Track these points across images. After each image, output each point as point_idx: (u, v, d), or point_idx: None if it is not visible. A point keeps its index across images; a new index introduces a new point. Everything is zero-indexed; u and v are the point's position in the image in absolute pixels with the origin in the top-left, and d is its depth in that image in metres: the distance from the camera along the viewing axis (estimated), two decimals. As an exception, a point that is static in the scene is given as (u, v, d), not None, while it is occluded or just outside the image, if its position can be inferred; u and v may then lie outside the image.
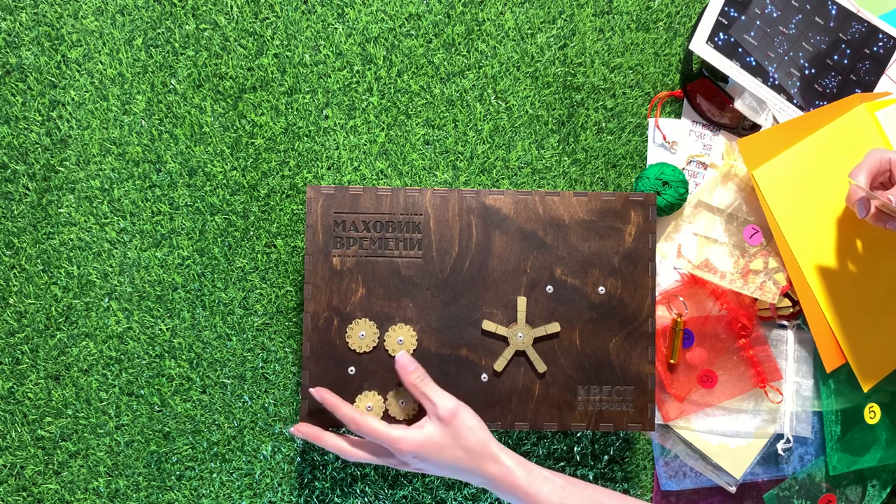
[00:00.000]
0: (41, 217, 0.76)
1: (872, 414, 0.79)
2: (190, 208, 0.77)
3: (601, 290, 0.72)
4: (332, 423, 0.70)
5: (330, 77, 0.78)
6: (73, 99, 0.76)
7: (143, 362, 0.77)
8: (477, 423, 0.66)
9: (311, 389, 0.69)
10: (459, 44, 0.79)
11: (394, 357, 0.71)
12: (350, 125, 0.78)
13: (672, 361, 0.77)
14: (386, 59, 0.79)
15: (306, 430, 0.68)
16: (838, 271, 0.76)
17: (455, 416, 0.66)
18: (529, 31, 0.80)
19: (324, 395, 0.68)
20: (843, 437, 0.79)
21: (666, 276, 0.79)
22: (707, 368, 0.78)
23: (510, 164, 0.80)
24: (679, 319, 0.77)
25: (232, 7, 0.77)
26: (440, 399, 0.66)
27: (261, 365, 0.77)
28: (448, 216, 0.72)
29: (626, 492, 0.80)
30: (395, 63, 0.79)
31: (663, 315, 0.78)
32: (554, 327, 0.72)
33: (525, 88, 0.80)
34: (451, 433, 0.66)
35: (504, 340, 0.72)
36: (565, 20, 0.80)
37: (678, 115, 0.81)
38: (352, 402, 0.71)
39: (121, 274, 0.77)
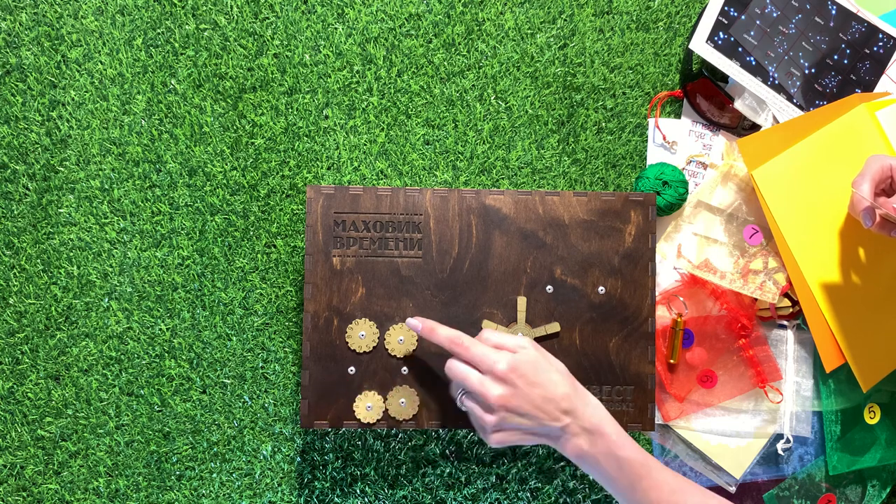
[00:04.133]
0: (41, 217, 0.76)
1: (872, 414, 0.79)
2: (190, 208, 0.77)
3: (601, 290, 0.72)
4: (333, 416, 0.70)
5: (330, 77, 0.78)
6: (73, 99, 0.76)
7: (143, 362, 0.77)
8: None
9: (409, 319, 0.66)
10: (459, 44, 0.79)
11: (394, 357, 0.71)
12: (350, 125, 0.79)
13: (672, 361, 0.77)
14: (386, 59, 0.79)
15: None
16: (838, 271, 0.76)
17: (538, 346, 0.64)
18: (529, 31, 0.80)
19: (422, 319, 0.66)
20: (843, 437, 0.79)
21: (666, 276, 0.79)
22: (707, 368, 0.78)
23: (510, 164, 0.80)
24: (679, 319, 0.77)
25: (232, 7, 0.77)
26: (515, 338, 0.64)
27: (261, 365, 0.77)
28: (448, 216, 0.72)
29: None
30: (395, 63, 0.79)
31: (663, 315, 0.78)
32: (554, 327, 0.72)
33: (525, 88, 0.80)
34: (543, 355, 0.63)
35: (504, 340, 0.72)
36: (565, 20, 0.80)
37: (678, 115, 0.81)
38: (351, 401, 0.71)
39: (121, 274, 0.77)
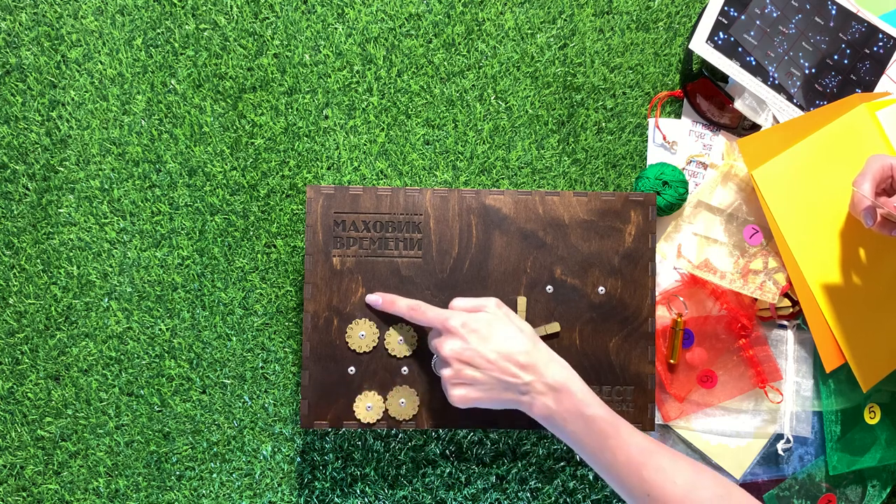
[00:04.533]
0: (41, 217, 0.76)
1: (872, 414, 0.79)
2: (190, 208, 0.77)
3: (601, 290, 0.72)
4: (333, 417, 0.70)
5: (330, 77, 0.78)
6: (73, 99, 0.76)
7: (143, 362, 0.77)
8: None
9: (368, 295, 0.70)
10: (459, 44, 0.79)
11: (394, 357, 0.71)
12: (350, 125, 0.79)
13: (672, 361, 0.77)
14: (386, 59, 0.79)
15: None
16: (838, 271, 0.76)
17: (503, 304, 0.66)
18: (529, 31, 0.80)
19: (381, 294, 0.70)
20: (843, 437, 0.79)
21: (666, 276, 0.79)
22: (707, 368, 0.78)
23: (510, 164, 0.80)
24: (679, 319, 0.77)
25: (232, 7, 0.77)
26: (479, 300, 0.67)
27: (261, 365, 0.77)
28: (448, 216, 0.72)
29: None
30: (395, 63, 0.79)
31: (663, 315, 0.78)
32: (554, 327, 0.72)
33: (525, 88, 0.80)
34: (504, 312, 0.66)
35: (504, 340, 0.72)
36: (565, 20, 0.80)
37: (678, 115, 0.81)
38: (351, 402, 0.71)
39: (121, 274, 0.77)
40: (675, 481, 0.59)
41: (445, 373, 0.64)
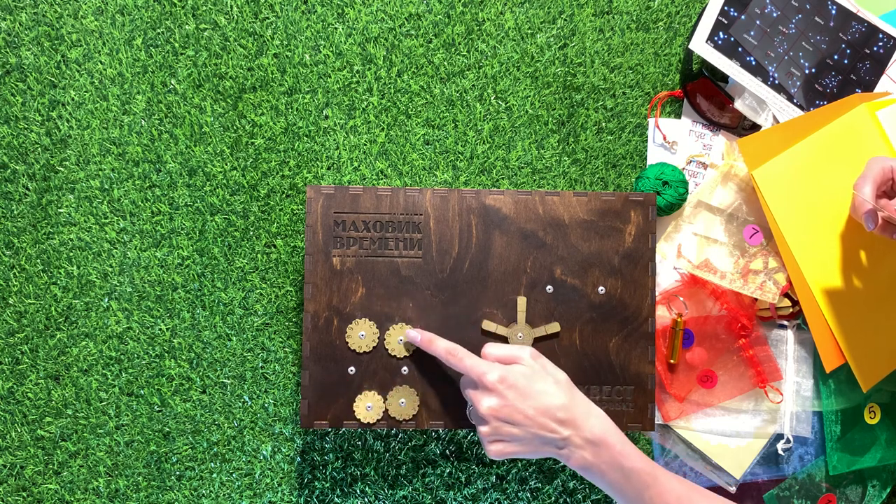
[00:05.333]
0: (41, 217, 0.76)
1: (872, 414, 0.79)
2: (190, 208, 0.77)
3: (601, 290, 0.72)
4: (333, 417, 0.70)
5: (330, 77, 0.78)
6: (73, 99, 0.76)
7: (143, 362, 0.77)
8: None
9: (408, 330, 0.69)
10: (459, 44, 0.79)
11: (394, 357, 0.71)
12: (350, 125, 0.79)
13: (672, 361, 0.77)
14: (386, 59, 0.79)
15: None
16: (838, 271, 0.76)
17: (539, 354, 0.65)
18: (529, 31, 0.80)
19: (421, 332, 0.69)
20: (843, 437, 0.79)
21: (666, 276, 0.79)
22: (707, 368, 0.78)
23: (510, 164, 0.80)
24: (679, 319, 0.77)
25: (232, 7, 0.77)
26: (514, 349, 0.65)
27: (261, 365, 0.77)
28: (448, 216, 0.72)
29: None
30: (395, 63, 0.79)
31: (663, 315, 0.78)
32: (554, 327, 0.72)
33: (525, 88, 0.80)
34: (541, 364, 0.64)
35: (504, 340, 0.72)
36: (565, 20, 0.80)
37: (678, 115, 0.81)
38: (351, 402, 0.71)
39: (121, 274, 0.77)
40: None
41: (483, 429, 0.63)
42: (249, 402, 0.77)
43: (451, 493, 0.79)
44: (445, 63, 0.79)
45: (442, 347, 0.66)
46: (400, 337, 0.71)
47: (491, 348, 0.65)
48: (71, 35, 0.77)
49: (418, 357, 0.71)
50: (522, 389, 0.62)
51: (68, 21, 0.76)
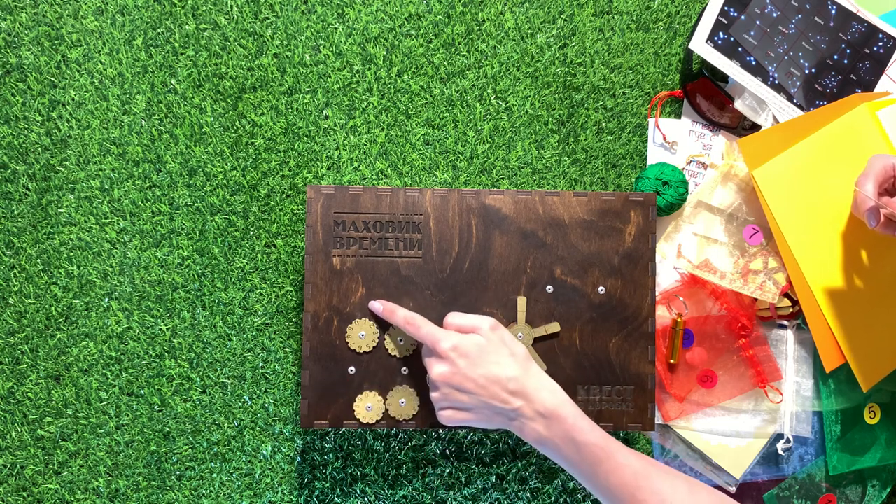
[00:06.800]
0: (41, 217, 0.76)
1: (872, 414, 0.79)
2: (190, 208, 0.77)
3: (601, 290, 0.72)
4: (333, 417, 0.70)
5: (330, 77, 0.78)
6: (73, 99, 0.76)
7: (143, 362, 0.77)
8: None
9: (371, 302, 0.70)
10: (459, 44, 0.79)
11: (394, 357, 0.71)
12: (350, 125, 0.79)
13: (672, 361, 0.77)
14: (386, 59, 0.79)
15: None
16: (838, 271, 0.76)
17: (499, 325, 0.66)
18: (529, 31, 0.80)
19: (383, 302, 0.70)
20: (843, 437, 0.79)
21: (666, 276, 0.79)
22: (707, 368, 0.78)
23: (510, 164, 0.80)
24: (679, 319, 0.77)
25: (232, 7, 0.77)
26: (474, 319, 0.66)
27: (261, 365, 0.77)
28: (448, 216, 0.72)
29: None
30: (395, 63, 0.79)
31: (663, 315, 0.78)
32: (554, 327, 0.72)
33: (525, 88, 0.80)
34: (499, 335, 0.65)
35: (504, 340, 0.72)
36: (565, 20, 0.80)
37: (678, 115, 0.81)
38: (351, 402, 0.71)
39: (121, 274, 0.77)
40: (670, 502, 0.59)
41: (434, 395, 0.65)
42: (249, 402, 0.77)
43: (451, 493, 0.79)
44: (445, 63, 0.79)
45: (401, 317, 0.68)
46: (400, 337, 0.71)
47: (452, 317, 0.67)
48: (71, 35, 0.77)
49: (418, 357, 0.71)
50: (474, 358, 0.63)
51: (68, 21, 0.76)
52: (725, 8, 0.78)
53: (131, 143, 0.77)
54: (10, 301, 0.76)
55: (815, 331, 0.76)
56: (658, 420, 0.79)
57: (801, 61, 0.79)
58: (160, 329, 0.77)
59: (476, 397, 0.63)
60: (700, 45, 0.78)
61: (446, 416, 0.65)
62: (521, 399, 0.62)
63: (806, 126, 0.77)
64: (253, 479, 0.78)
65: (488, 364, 0.63)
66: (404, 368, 0.71)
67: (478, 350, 0.63)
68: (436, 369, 0.64)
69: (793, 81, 0.79)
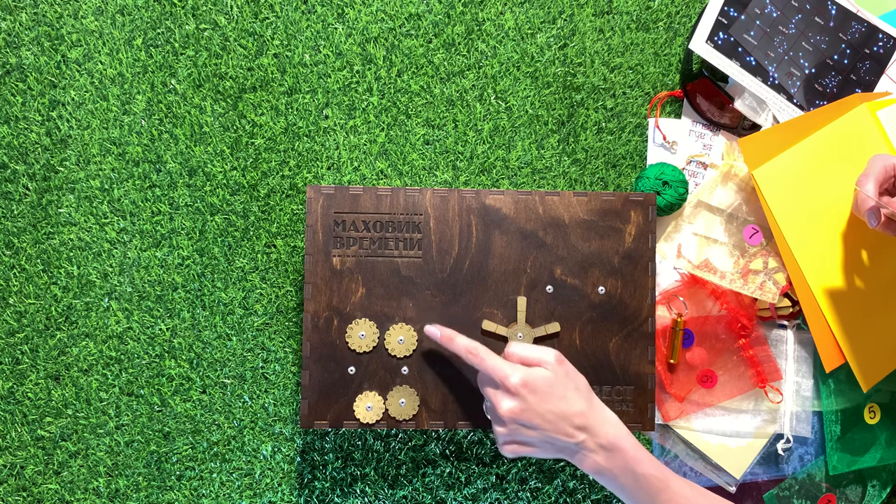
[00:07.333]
0: (41, 217, 0.76)
1: (872, 414, 0.79)
2: (190, 208, 0.77)
3: (601, 290, 0.72)
4: (333, 417, 0.70)
5: (330, 77, 0.78)
6: (73, 99, 0.76)
7: (143, 362, 0.77)
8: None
9: (427, 326, 0.68)
10: (459, 44, 0.79)
11: (394, 357, 0.71)
12: (350, 125, 0.79)
13: (672, 361, 0.77)
14: (386, 59, 0.79)
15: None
16: (838, 271, 0.76)
17: (563, 358, 0.64)
18: (529, 31, 0.80)
19: (440, 328, 0.67)
20: (843, 437, 0.79)
21: (666, 276, 0.79)
22: (707, 368, 0.78)
23: (510, 164, 0.80)
24: (679, 319, 0.77)
25: (232, 7, 0.77)
26: (539, 351, 0.64)
27: (261, 365, 0.77)
28: (448, 216, 0.72)
29: None
30: (395, 63, 0.79)
31: (663, 315, 0.78)
32: (554, 327, 0.72)
33: (525, 88, 0.80)
34: (565, 370, 0.64)
35: (504, 340, 0.72)
36: (565, 20, 0.80)
37: (678, 115, 0.81)
38: (351, 402, 0.71)
39: (121, 274, 0.77)
40: None
41: (500, 429, 0.63)
42: (249, 402, 0.77)
43: (451, 493, 0.79)
44: (445, 63, 0.79)
45: (462, 346, 0.65)
46: (400, 337, 0.71)
47: (515, 348, 0.65)
48: (71, 35, 0.77)
49: (418, 357, 0.71)
50: (543, 394, 0.62)
51: (68, 21, 0.76)
52: (725, 8, 0.78)
53: (131, 143, 0.77)
54: (10, 301, 0.76)
55: (815, 331, 0.76)
56: (658, 420, 0.79)
57: (801, 61, 0.79)
58: (160, 329, 0.77)
59: (543, 433, 0.62)
60: (700, 45, 0.78)
61: (510, 450, 0.63)
62: (585, 433, 0.62)
63: (806, 126, 0.77)
64: (253, 479, 0.78)
65: (556, 400, 0.62)
66: (404, 368, 0.71)
67: (546, 385, 0.62)
68: (504, 405, 0.62)
69: (793, 81, 0.79)
